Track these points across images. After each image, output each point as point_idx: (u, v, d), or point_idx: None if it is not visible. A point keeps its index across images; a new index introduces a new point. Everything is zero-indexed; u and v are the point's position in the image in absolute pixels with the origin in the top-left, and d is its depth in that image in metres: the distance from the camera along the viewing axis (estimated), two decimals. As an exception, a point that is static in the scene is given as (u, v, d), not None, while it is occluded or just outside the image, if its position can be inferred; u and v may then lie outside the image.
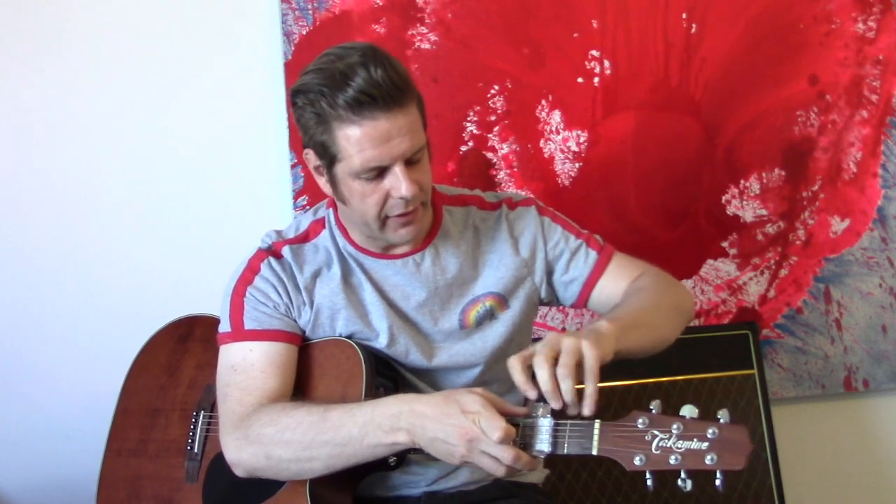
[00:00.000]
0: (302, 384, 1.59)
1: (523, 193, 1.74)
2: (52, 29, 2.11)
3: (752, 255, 2.35)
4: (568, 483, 2.06)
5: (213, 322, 1.70)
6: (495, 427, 1.33)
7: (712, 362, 2.18)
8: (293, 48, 2.16)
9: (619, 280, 1.68)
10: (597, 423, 1.34)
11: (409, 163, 1.49)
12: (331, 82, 1.44)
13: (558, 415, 1.37)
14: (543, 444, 1.36)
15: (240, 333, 1.58)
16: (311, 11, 2.16)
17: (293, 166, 2.17)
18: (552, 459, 1.48)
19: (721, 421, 1.28)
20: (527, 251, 1.66)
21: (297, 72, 2.11)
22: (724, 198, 2.34)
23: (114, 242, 2.15)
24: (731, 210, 2.35)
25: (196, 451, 1.69)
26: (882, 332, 2.41)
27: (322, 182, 1.56)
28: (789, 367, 2.38)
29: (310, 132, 1.51)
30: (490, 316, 1.64)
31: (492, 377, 1.64)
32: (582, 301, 1.70)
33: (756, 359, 2.20)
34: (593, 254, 1.69)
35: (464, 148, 2.22)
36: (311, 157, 1.54)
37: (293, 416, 1.47)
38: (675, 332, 1.63)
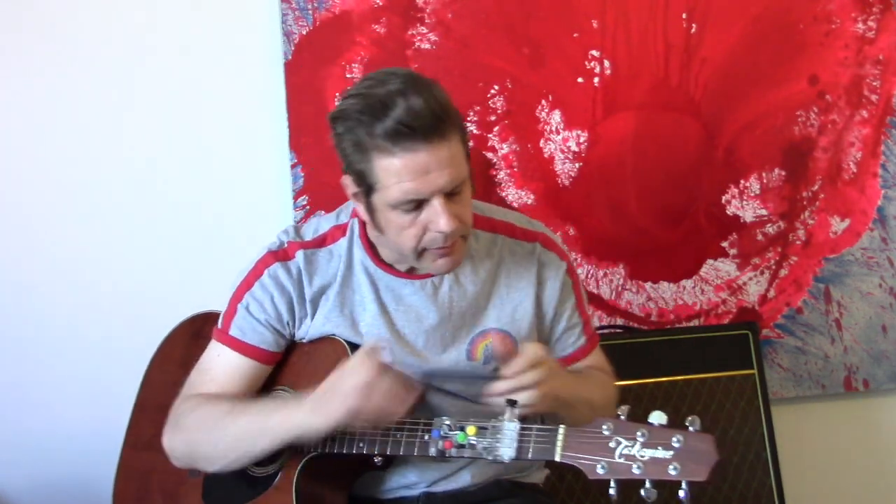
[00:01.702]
0: (294, 382, 1.59)
1: (558, 239, 1.70)
2: (52, 28, 2.11)
3: (752, 255, 2.35)
4: (568, 483, 2.05)
5: None
6: (365, 355, 1.41)
7: (712, 362, 2.18)
8: (293, 48, 2.15)
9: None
10: (561, 429, 1.33)
11: (450, 195, 1.45)
12: (370, 111, 1.41)
13: (527, 420, 1.38)
14: (509, 448, 1.36)
15: (223, 336, 1.60)
16: (311, 11, 2.16)
17: (293, 166, 2.17)
18: (552, 459, 1.48)
19: (689, 429, 1.25)
20: (550, 307, 1.64)
21: (297, 72, 2.15)
22: (724, 198, 2.34)
23: (114, 243, 2.15)
24: (731, 210, 2.35)
25: (177, 465, 1.67)
26: (882, 332, 2.40)
27: (360, 209, 1.53)
28: (789, 367, 2.38)
29: (348, 159, 1.47)
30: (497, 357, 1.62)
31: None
32: None
33: (756, 359, 2.20)
34: (583, 339, 1.69)
35: (464, 148, 2.22)
36: (348, 184, 1.51)
37: (216, 403, 1.53)
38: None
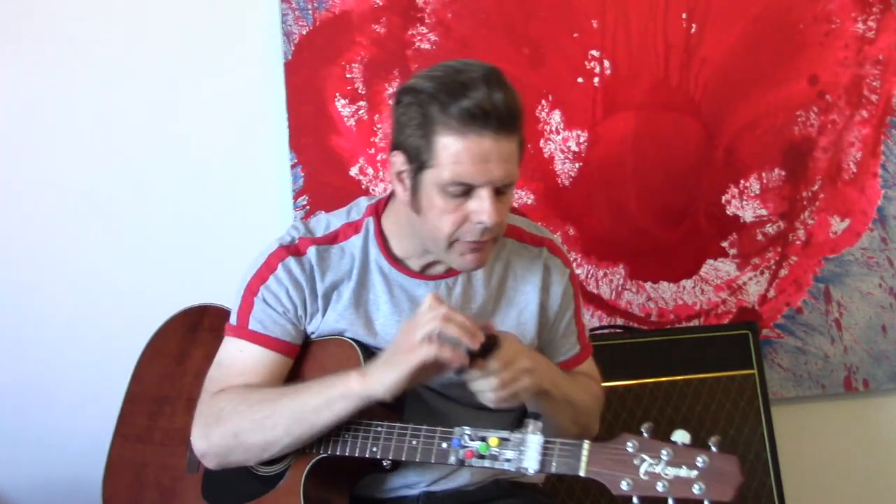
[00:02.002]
0: (301, 381, 1.58)
1: (563, 246, 1.72)
2: (52, 28, 2.11)
3: (752, 255, 2.35)
4: (568, 483, 2.05)
5: (222, 312, 1.72)
6: (432, 306, 1.40)
7: (712, 362, 2.18)
8: (293, 48, 2.15)
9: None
10: (586, 444, 1.34)
11: (497, 192, 1.46)
12: (448, 89, 1.42)
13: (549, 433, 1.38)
14: (533, 461, 1.36)
15: (242, 331, 1.58)
16: (311, 11, 2.16)
17: (293, 166, 2.17)
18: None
19: (712, 450, 1.27)
20: (552, 312, 1.65)
21: (297, 72, 2.15)
22: (724, 198, 2.34)
23: (114, 242, 2.15)
24: (731, 210, 2.35)
25: (212, 467, 1.64)
26: (882, 332, 2.41)
27: (400, 189, 1.51)
28: (789, 367, 2.38)
29: (406, 132, 1.46)
30: None
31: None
32: None
33: (756, 359, 2.20)
34: (578, 347, 1.70)
35: (464, 148, 2.22)
36: (396, 160, 1.49)
37: (261, 391, 1.52)
38: (570, 432, 1.57)
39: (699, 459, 1.26)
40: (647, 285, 2.32)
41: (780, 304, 2.37)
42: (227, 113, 2.18)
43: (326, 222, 1.63)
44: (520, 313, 1.63)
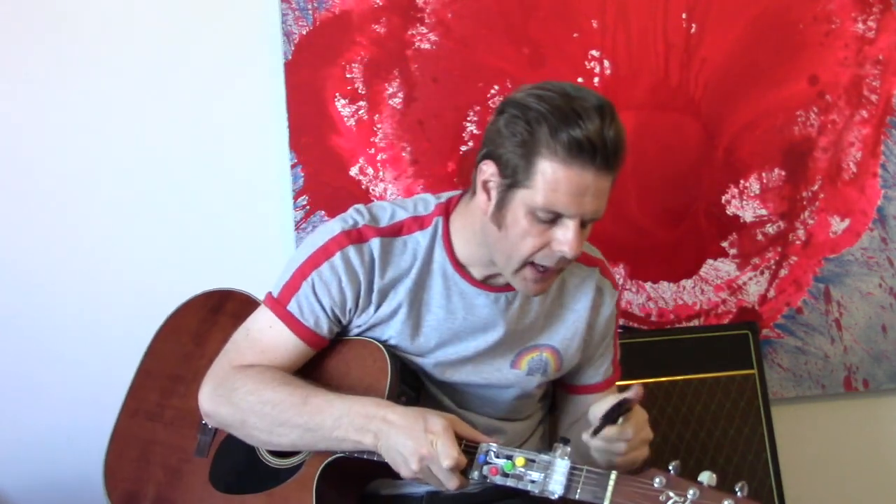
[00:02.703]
0: (324, 378, 1.58)
1: (612, 270, 1.73)
2: (52, 28, 2.11)
3: (752, 255, 2.35)
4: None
5: (245, 300, 1.72)
6: (447, 454, 1.37)
7: (712, 362, 2.18)
8: (293, 48, 2.15)
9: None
10: (613, 475, 1.34)
11: (582, 224, 1.45)
12: (560, 113, 1.38)
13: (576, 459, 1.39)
14: (557, 485, 1.36)
15: (279, 308, 1.56)
16: (311, 11, 2.16)
17: (293, 166, 2.17)
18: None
19: (738, 494, 1.28)
20: (597, 333, 1.67)
21: (297, 72, 2.15)
22: (724, 198, 2.34)
23: (114, 243, 2.15)
24: (731, 210, 2.35)
25: (210, 426, 1.66)
26: (882, 332, 2.41)
27: (483, 198, 1.48)
28: (789, 367, 2.38)
29: (504, 145, 1.43)
30: (543, 372, 1.63)
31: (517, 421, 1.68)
32: (572, 391, 1.73)
33: (756, 359, 2.20)
34: (611, 371, 1.73)
35: (464, 148, 2.22)
36: (487, 170, 1.46)
37: (277, 392, 1.50)
38: None
39: (726, 503, 1.27)
40: (647, 285, 2.32)
41: (780, 304, 2.37)
42: (227, 113, 2.17)
43: (392, 212, 1.58)
44: (567, 329, 1.63)
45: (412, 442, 1.39)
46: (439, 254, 1.56)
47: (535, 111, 1.40)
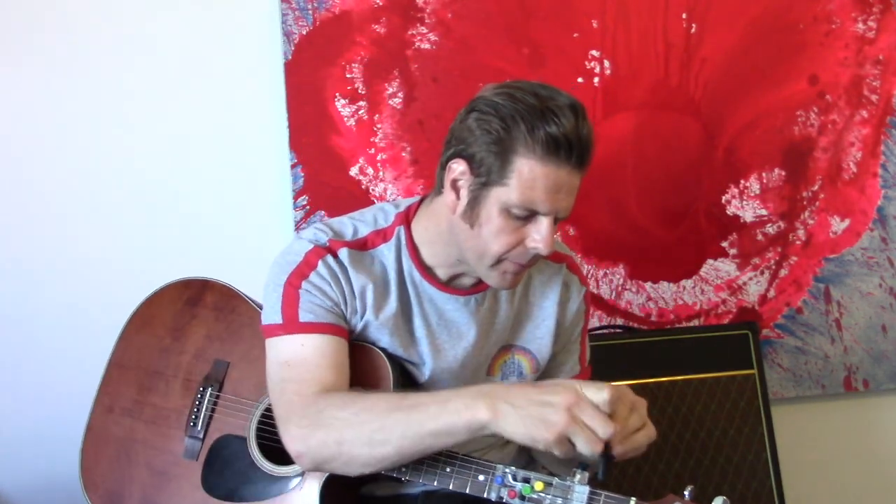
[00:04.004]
0: None
1: (580, 262, 1.69)
2: (52, 28, 2.11)
3: (752, 255, 2.35)
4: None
5: (226, 291, 1.68)
6: (597, 390, 1.31)
7: (712, 362, 2.18)
8: (293, 48, 2.15)
9: None
10: (632, 501, 1.33)
11: (554, 220, 1.45)
12: (536, 111, 1.38)
13: (595, 484, 1.37)
14: None
15: (293, 325, 1.50)
16: (311, 11, 2.16)
17: (293, 166, 2.17)
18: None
19: None
20: (563, 329, 1.65)
21: (297, 72, 2.15)
22: (724, 198, 2.34)
23: (114, 242, 2.15)
24: (731, 210, 2.35)
25: (199, 428, 1.64)
26: (882, 332, 2.41)
27: (452, 196, 1.46)
28: (789, 367, 2.38)
29: (476, 144, 1.42)
30: (519, 374, 1.62)
31: None
32: None
33: (756, 359, 2.20)
34: (579, 367, 1.69)
35: (464, 148, 2.22)
36: (457, 168, 1.45)
37: (367, 398, 1.42)
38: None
39: None
40: (647, 285, 2.32)
41: (780, 304, 2.37)
42: (227, 113, 2.17)
43: (353, 228, 1.57)
44: (537, 328, 1.63)
45: (552, 391, 1.30)
46: (406, 263, 1.56)
47: (509, 109, 1.40)
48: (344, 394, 1.45)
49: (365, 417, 1.39)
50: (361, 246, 1.55)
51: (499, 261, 1.47)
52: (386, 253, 1.56)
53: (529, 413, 1.30)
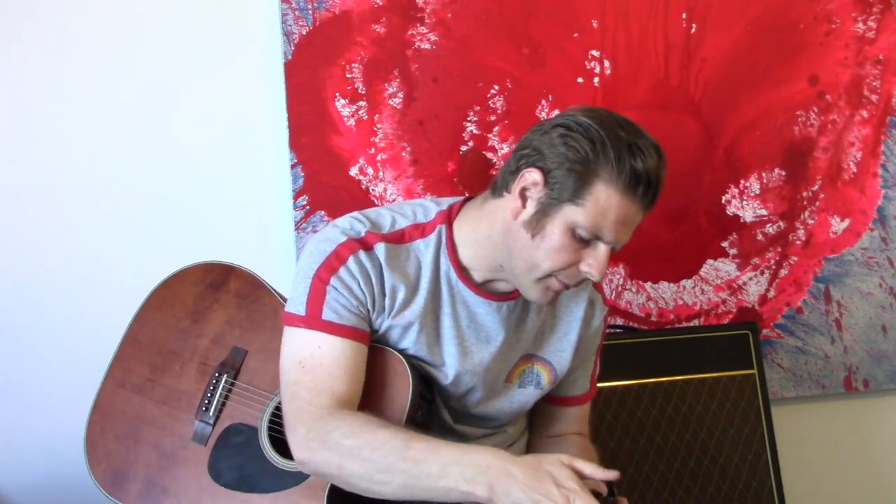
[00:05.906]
0: None
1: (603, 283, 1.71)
2: (53, 28, 2.11)
3: (752, 255, 2.36)
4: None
5: (251, 279, 1.66)
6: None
7: (712, 362, 2.18)
8: (293, 48, 2.16)
9: (572, 422, 1.73)
10: None
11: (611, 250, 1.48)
12: (625, 144, 1.41)
13: None
14: None
15: (315, 321, 1.49)
16: (311, 11, 2.16)
17: (293, 166, 2.17)
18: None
19: None
20: (583, 345, 1.66)
21: (297, 72, 2.15)
22: (724, 198, 2.34)
23: (113, 243, 2.15)
24: (731, 210, 2.35)
25: (211, 413, 1.63)
26: (882, 332, 2.41)
27: (517, 203, 1.47)
28: (789, 367, 2.38)
29: (557, 160, 1.44)
30: (537, 384, 1.63)
31: (503, 432, 1.67)
32: (545, 401, 1.71)
33: (756, 359, 2.20)
34: (587, 387, 1.73)
35: (464, 148, 2.22)
36: (531, 177, 1.46)
37: (377, 435, 1.40)
38: None
39: None
40: (647, 285, 2.32)
41: (780, 304, 2.37)
42: (227, 113, 2.18)
43: (392, 219, 1.56)
44: (560, 341, 1.64)
45: (544, 497, 1.29)
46: (444, 263, 1.55)
47: (600, 134, 1.42)
48: (353, 419, 1.43)
49: (368, 455, 1.38)
50: (398, 239, 1.54)
51: (547, 276, 1.47)
52: (423, 248, 1.55)
53: (529, 497, 1.30)
